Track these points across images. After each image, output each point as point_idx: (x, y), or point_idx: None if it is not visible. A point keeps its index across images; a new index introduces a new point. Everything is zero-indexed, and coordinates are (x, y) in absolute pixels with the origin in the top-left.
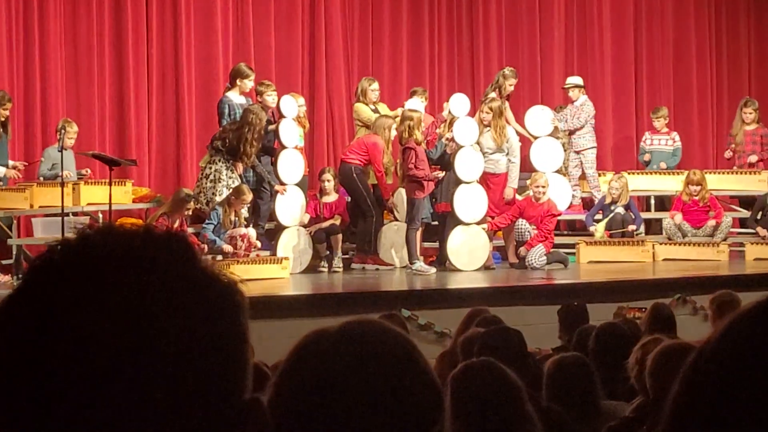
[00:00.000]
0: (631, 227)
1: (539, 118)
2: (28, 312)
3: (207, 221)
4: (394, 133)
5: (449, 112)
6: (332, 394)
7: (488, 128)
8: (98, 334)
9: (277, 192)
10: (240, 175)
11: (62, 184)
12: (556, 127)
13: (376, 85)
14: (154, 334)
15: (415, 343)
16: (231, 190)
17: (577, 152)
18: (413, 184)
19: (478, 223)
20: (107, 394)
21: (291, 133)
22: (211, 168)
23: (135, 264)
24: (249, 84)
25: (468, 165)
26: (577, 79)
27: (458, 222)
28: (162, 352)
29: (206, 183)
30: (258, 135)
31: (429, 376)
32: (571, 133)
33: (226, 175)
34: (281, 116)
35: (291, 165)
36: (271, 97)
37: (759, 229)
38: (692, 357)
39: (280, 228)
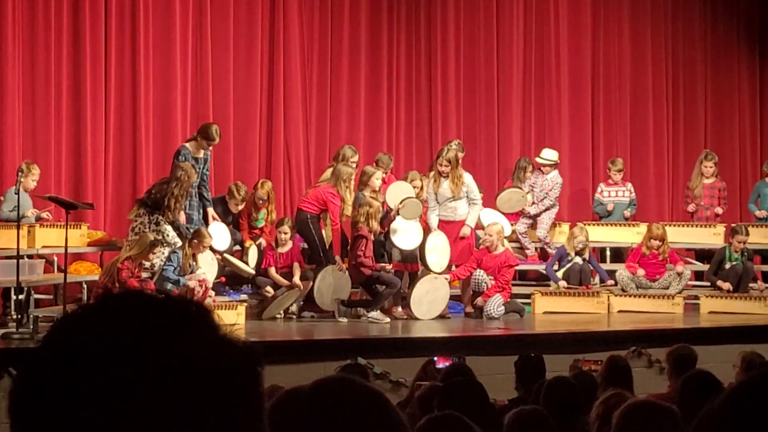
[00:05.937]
0: (610, 282)
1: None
2: (44, 379)
3: (167, 263)
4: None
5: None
6: None
7: (445, 178)
8: (114, 402)
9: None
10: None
11: (18, 227)
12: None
13: (355, 158)
14: (171, 402)
15: (387, 396)
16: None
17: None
18: (360, 269)
19: (442, 273)
20: None
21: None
22: (136, 221)
23: (153, 331)
24: (208, 148)
25: (404, 234)
26: (553, 155)
27: (426, 273)
28: (178, 421)
29: (131, 236)
30: (185, 192)
31: (402, 429)
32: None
33: (150, 228)
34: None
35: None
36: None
37: (720, 282)
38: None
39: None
